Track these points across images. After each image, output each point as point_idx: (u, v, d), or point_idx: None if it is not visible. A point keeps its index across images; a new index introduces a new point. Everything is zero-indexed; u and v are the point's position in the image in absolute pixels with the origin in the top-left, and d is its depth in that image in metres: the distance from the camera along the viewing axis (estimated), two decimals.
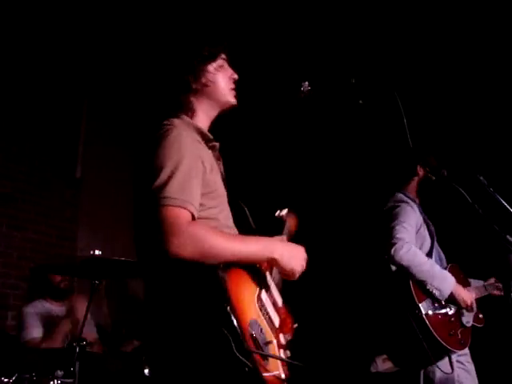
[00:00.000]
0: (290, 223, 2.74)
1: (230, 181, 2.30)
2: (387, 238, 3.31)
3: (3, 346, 4.09)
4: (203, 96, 2.25)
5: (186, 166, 1.94)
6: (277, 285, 2.25)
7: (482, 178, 2.39)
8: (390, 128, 2.30)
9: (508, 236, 2.18)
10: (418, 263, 3.25)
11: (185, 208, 1.89)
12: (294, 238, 2.47)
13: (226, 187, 2.25)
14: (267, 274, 2.19)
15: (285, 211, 2.76)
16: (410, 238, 3.31)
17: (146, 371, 3.90)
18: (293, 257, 2.12)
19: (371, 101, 2.27)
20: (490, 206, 2.23)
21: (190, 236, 1.84)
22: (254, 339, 1.85)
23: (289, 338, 2.16)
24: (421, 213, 3.51)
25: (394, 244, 3.25)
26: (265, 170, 5.65)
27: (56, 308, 4.30)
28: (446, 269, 3.48)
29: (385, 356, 5.21)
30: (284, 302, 2.24)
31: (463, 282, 3.53)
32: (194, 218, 1.93)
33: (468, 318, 3.44)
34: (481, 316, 3.57)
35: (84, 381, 3.29)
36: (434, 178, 3.48)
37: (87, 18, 5.25)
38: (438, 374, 3.24)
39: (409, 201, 3.47)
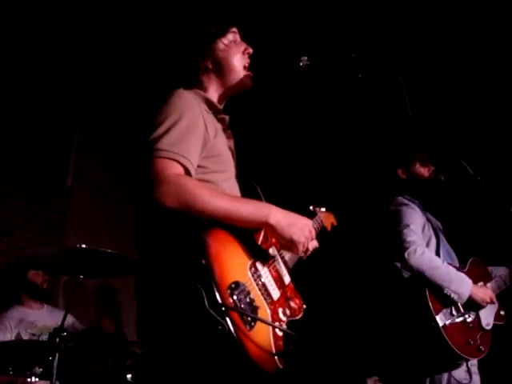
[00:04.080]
0: (325, 220, 2.67)
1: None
2: (397, 243, 3.19)
3: None
4: (215, 74, 2.22)
5: (185, 122, 1.93)
6: (286, 262, 2.11)
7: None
8: (390, 103, 2.25)
9: None
10: (434, 266, 3.11)
11: (176, 161, 1.85)
12: None
13: (235, 163, 2.19)
14: (272, 248, 2.04)
15: (322, 209, 2.70)
16: (420, 241, 3.20)
17: (129, 376, 3.75)
18: (293, 225, 1.95)
19: (371, 75, 2.22)
20: None
21: (175, 185, 1.80)
22: (234, 300, 1.71)
23: (298, 317, 2.01)
24: (423, 212, 3.41)
25: (407, 248, 3.11)
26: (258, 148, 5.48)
27: (34, 312, 4.13)
28: (463, 268, 3.34)
29: (376, 378, 5.07)
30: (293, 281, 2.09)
31: (484, 277, 3.38)
32: (188, 172, 1.88)
33: (488, 320, 3.27)
34: (502, 313, 3.39)
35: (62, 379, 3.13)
36: (427, 175, 3.44)
37: (80, 29, 5.27)
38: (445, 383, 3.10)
39: (409, 203, 3.38)
